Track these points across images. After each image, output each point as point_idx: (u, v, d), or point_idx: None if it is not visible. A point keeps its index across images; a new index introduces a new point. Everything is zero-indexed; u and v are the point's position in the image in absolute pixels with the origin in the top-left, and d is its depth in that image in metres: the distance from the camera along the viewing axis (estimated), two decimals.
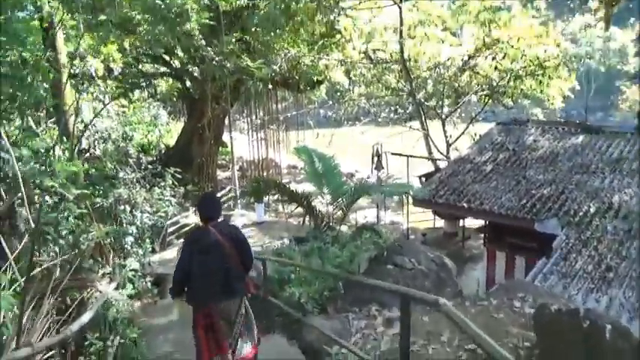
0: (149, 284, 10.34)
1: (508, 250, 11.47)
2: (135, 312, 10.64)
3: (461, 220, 15.82)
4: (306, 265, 5.62)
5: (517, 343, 5.53)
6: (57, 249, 4.66)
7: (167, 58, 22.29)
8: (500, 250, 11.75)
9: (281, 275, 6.56)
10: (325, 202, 8.17)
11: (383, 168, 14.83)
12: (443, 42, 19.12)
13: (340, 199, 7.94)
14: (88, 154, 12.36)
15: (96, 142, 12.52)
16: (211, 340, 4.40)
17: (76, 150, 12.53)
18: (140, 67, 23.58)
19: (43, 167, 5.01)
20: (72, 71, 12.30)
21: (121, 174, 11.33)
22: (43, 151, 11.50)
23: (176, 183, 12.08)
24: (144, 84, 24.09)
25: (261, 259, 6.31)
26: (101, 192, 11.34)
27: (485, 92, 18.29)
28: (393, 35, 19.15)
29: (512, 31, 18.61)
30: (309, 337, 5.80)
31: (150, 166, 12.13)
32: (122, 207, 11.39)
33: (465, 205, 11.07)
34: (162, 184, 11.85)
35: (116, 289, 4.85)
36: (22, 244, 4.40)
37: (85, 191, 5.03)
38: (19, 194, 4.52)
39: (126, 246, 11.77)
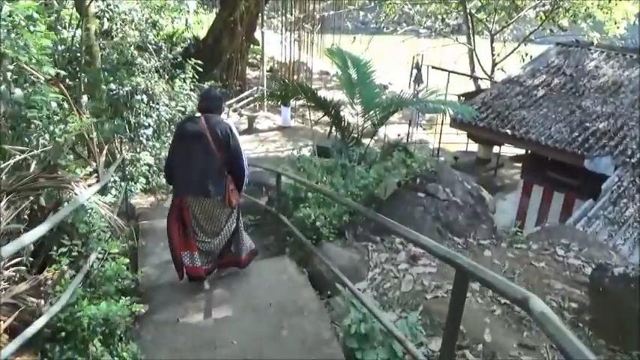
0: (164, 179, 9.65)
1: (547, 184, 10.37)
2: (146, 207, 10.17)
3: (496, 147, 14.61)
4: (321, 188, 4.66)
5: (561, 302, 4.65)
6: (26, 140, 3.81)
7: None
8: (537, 184, 10.66)
9: (297, 192, 5.68)
10: (355, 113, 7.07)
11: (422, 82, 13.41)
12: None
13: (373, 111, 6.84)
14: (110, 38, 11.29)
15: (118, 24, 11.35)
16: (181, 232, 4.26)
17: (97, 31, 11.50)
18: None
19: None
20: None
21: (138, 60, 10.27)
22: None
23: (196, 76, 11.00)
24: None
25: (276, 171, 5.38)
26: (116, 79, 10.43)
27: (544, 7, 16.13)
28: None
29: None
30: (320, 267, 5.00)
31: (170, 55, 11.00)
32: (139, 97, 10.49)
33: (509, 131, 9.85)
34: (183, 76, 10.80)
35: (102, 193, 3.97)
36: None
37: (62, 72, 4.02)
38: None
39: (141, 139, 11.04)
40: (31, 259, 3.65)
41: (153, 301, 4.33)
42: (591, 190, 8.62)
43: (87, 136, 4.17)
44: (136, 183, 10.73)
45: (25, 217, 3.82)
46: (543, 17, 16.77)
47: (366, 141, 7.69)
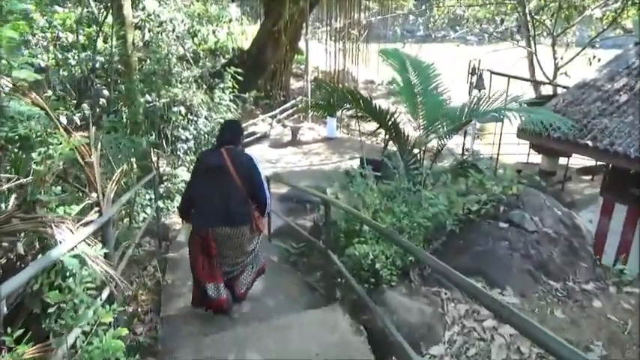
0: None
1: (632, 203, 8.75)
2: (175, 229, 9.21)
3: (561, 158, 12.98)
4: (379, 225, 3.44)
5: None
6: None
7: None
8: (620, 203, 9.04)
9: (350, 224, 4.49)
10: (417, 124, 5.83)
11: (484, 88, 11.98)
12: None
13: (439, 122, 5.58)
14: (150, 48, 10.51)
15: (159, 34, 10.56)
16: (206, 263, 4.10)
17: (138, 41, 10.75)
18: None
19: None
20: None
21: (175, 70, 9.38)
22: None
23: (236, 85, 10.02)
24: None
25: (324, 199, 4.21)
26: (152, 90, 9.60)
27: (609, 6, 14.38)
28: None
29: None
30: (380, 321, 3.79)
31: (208, 64, 10.08)
32: (176, 109, 9.62)
33: (590, 143, 8.32)
34: (222, 85, 9.85)
35: (102, 237, 2.94)
36: None
37: (37, 76, 2.98)
38: None
39: (178, 153, 10.15)
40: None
41: None
42: None
43: (82, 161, 3.12)
44: (172, 201, 9.85)
45: None
46: (610, 18, 14.99)
47: (430, 160, 6.44)
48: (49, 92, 9.31)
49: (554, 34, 15.05)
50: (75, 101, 7.59)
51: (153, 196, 9.36)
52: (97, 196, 3.32)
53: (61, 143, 2.92)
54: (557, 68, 14.65)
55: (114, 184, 3.75)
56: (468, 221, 4.80)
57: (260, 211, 4.22)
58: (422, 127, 5.77)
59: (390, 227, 4.27)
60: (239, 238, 4.11)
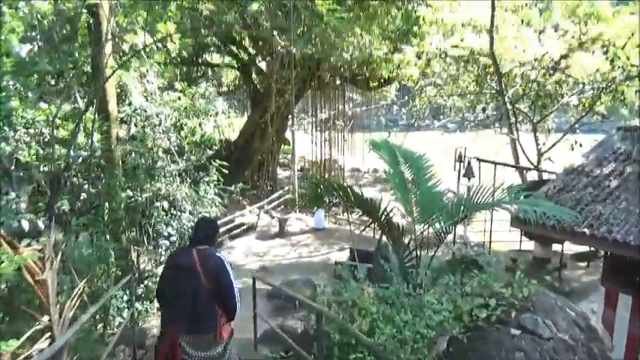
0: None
1: (638, 294, 8.30)
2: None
3: (555, 244, 12.66)
4: (375, 346, 2.95)
5: None
6: None
7: (235, 50, 20.39)
8: (624, 292, 8.57)
9: (344, 335, 3.95)
10: (411, 218, 5.46)
11: (474, 176, 11.86)
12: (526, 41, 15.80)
13: (435, 216, 5.23)
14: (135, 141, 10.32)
15: (145, 128, 10.40)
16: None
17: (124, 135, 10.58)
18: (206, 56, 21.83)
19: None
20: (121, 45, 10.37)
21: (159, 164, 9.11)
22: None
23: (221, 178, 9.74)
24: (209, 73, 22.38)
25: (316, 309, 3.71)
26: (135, 185, 9.26)
27: (587, 93, 14.83)
28: (472, 33, 16.14)
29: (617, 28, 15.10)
30: None
31: (193, 157, 9.84)
32: (158, 204, 9.22)
33: (587, 231, 8.01)
34: (207, 179, 9.56)
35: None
36: None
37: None
38: None
39: (160, 250, 9.61)
40: None
41: None
42: None
43: (31, 280, 2.65)
44: (151, 302, 9.16)
45: None
46: (586, 105, 15.42)
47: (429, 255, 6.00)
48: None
49: (534, 120, 15.36)
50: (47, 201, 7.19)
51: (131, 297, 8.70)
52: (50, 319, 2.80)
53: (2, 262, 2.48)
54: (540, 154, 14.77)
55: (74, 299, 3.24)
56: (475, 328, 4.29)
57: (228, 317, 4.03)
58: (417, 220, 5.41)
59: (391, 339, 3.75)
60: (204, 345, 3.94)
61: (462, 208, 5.22)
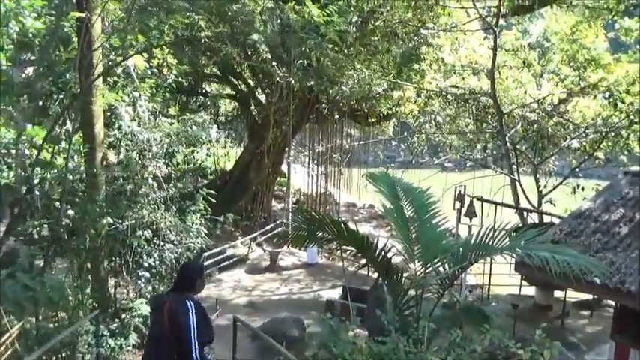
0: None
1: None
2: None
3: (557, 291, 11.96)
4: None
5: None
6: None
7: (234, 80, 20.07)
8: (637, 348, 7.86)
9: None
10: (411, 259, 4.80)
11: (476, 216, 11.26)
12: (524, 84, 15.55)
13: (439, 259, 4.59)
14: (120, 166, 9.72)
15: (133, 153, 9.82)
16: None
17: (113, 160, 10.00)
18: (205, 86, 21.52)
19: None
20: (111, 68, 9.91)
21: (142, 190, 8.48)
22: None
23: (208, 208, 9.09)
24: (208, 103, 22.02)
25: None
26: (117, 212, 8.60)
27: (589, 137, 14.41)
28: (473, 75, 15.91)
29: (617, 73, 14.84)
30: None
31: (179, 184, 9.21)
32: (140, 232, 8.54)
33: (597, 280, 7.35)
34: (193, 208, 8.90)
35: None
36: None
37: None
38: None
39: (139, 282, 8.86)
40: None
41: None
42: None
43: None
44: (125, 338, 8.35)
45: None
46: (587, 149, 14.98)
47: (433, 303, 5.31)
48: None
49: (535, 162, 14.89)
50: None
51: (103, 333, 7.94)
52: None
53: None
54: (541, 196, 14.23)
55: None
56: None
57: None
58: (418, 261, 4.76)
59: None
60: None
61: (473, 250, 4.58)
